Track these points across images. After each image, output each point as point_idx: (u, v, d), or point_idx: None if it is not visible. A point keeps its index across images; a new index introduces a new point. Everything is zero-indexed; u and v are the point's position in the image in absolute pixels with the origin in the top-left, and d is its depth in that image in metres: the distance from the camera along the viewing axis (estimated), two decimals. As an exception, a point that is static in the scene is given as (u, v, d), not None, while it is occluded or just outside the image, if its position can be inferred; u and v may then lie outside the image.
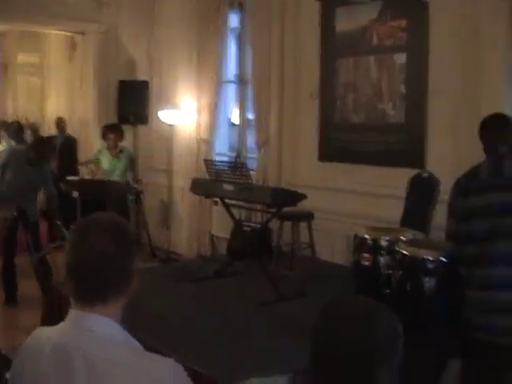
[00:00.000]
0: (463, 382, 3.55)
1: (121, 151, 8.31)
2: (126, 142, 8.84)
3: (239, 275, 6.74)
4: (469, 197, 3.50)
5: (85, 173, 8.63)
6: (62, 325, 1.87)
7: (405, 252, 3.69)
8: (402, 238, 4.12)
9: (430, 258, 3.53)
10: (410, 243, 3.82)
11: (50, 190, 7.29)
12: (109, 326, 1.81)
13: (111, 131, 8.29)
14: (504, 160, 3.62)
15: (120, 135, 8.36)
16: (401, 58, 6.53)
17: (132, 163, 8.50)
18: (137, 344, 1.83)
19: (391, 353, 1.66)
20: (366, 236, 4.26)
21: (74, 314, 1.84)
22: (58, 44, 10.92)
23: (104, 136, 8.33)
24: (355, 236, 6.09)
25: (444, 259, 3.52)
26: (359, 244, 4.32)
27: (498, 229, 3.43)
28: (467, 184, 3.58)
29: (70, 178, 8.19)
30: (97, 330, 1.79)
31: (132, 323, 1.89)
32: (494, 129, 3.75)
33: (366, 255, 4.12)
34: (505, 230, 3.43)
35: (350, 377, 1.62)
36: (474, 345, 3.39)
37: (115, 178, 8.21)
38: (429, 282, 3.46)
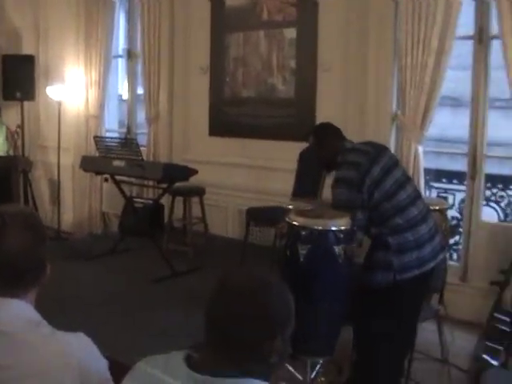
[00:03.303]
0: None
1: None
2: (13, 119, 8.58)
3: (132, 252, 6.71)
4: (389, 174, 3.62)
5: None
6: None
7: (293, 222, 3.71)
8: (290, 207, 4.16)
9: (304, 226, 3.56)
10: (299, 213, 3.84)
11: None
12: (26, 309, 1.88)
13: None
14: (359, 146, 3.78)
15: None
16: (291, 33, 6.59)
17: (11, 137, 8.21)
18: (48, 326, 1.89)
19: (284, 323, 1.69)
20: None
21: None
22: None
23: None
24: (248, 209, 6.17)
25: (318, 227, 3.55)
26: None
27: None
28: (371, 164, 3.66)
29: None
30: (17, 313, 1.85)
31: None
32: (332, 137, 3.89)
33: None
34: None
35: (244, 348, 1.64)
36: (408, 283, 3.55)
37: None
38: (303, 250, 3.50)
